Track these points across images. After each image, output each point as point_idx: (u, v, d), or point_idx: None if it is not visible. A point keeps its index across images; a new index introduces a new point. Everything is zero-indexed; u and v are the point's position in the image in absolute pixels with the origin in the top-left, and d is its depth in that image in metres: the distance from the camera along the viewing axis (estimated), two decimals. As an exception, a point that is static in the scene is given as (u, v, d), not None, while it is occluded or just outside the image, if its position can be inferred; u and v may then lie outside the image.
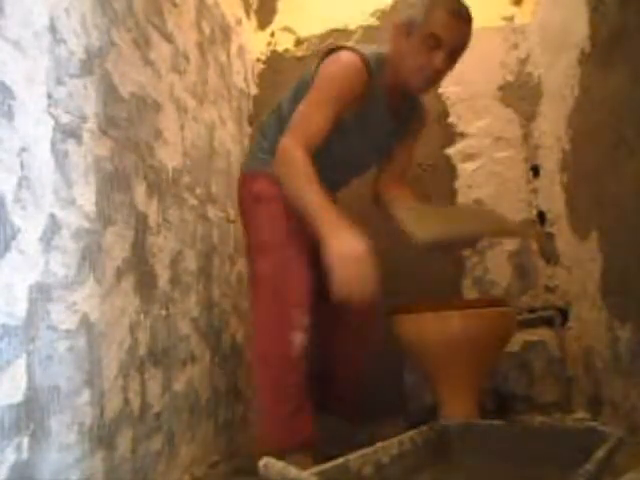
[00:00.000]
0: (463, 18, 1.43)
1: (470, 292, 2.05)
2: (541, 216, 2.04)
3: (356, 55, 1.41)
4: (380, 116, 1.50)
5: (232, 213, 1.82)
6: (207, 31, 1.77)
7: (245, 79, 2.17)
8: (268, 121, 1.57)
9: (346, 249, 1.14)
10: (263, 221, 1.43)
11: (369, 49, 1.48)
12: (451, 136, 2.13)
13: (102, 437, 1.02)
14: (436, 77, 1.46)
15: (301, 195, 1.26)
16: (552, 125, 1.93)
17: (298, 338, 1.29)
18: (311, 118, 1.35)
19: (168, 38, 1.45)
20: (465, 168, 2.10)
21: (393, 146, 1.63)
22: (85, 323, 1.00)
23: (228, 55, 1.97)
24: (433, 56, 1.40)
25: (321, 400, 1.54)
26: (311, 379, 1.35)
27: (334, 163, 1.45)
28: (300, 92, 1.46)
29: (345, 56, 1.42)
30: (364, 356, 1.61)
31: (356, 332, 1.55)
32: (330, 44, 1.45)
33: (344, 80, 1.39)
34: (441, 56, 1.40)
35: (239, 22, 2.13)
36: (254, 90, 2.27)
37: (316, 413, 1.41)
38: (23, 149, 0.87)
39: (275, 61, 2.32)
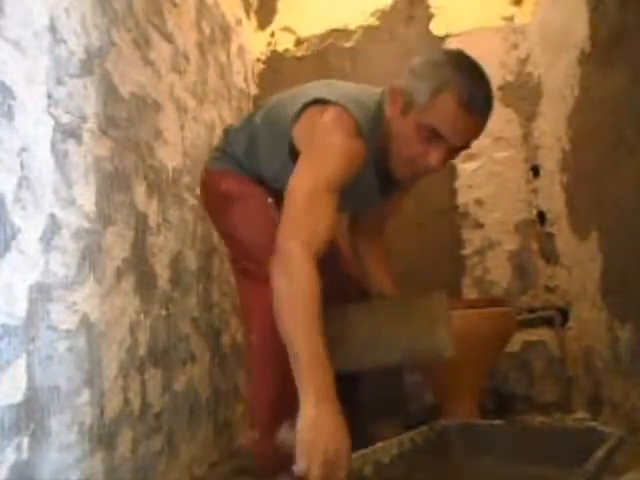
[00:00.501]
0: (478, 110, 1.13)
1: (470, 292, 2.05)
2: (541, 216, 2.04)
3: (349, 116, 1.17)
4: (366, 179, 1.27)
5: (232, 213, 1.82)
6: (207, 31, 1.77)
7: (245, 79, 2.17)
8: (237, 133, 1.41)
9: (321, 421, 0.93)
10: (239, 221, 1.32)
11: (361, 100, 1.23)
12: (451, 136, 2.13)
13: (102, 437, 1.02)
14: (426, 173, 1.22)
15: (293, 335, 1.02)
16: (552, 125, 1.93)
17: None
18: (317, 214, 1.11)
19: (168, 38, 1.45)
20: (465, 168, 2.10)
21: (375, 203, 1.44)
22: (85, 323, 1.00)
23: (228, 55, 1.97)
24: (428, 151, 1.15)
25: None
26: None
27: None
28: (278, 128, 1.28)
29: (339, 120, 1.17)
30: None
31: None
32: (312, 96, 1.22)
33: (345, 155, 1.15)
34: (438, 154, 1.14)
35: (239, 22, 2.13)
36: (254, 90, 2.27)
37: None
38: (23, 149, 0.87)
39: (275, 61, 2.32)
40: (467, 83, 1.12)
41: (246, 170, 1.38)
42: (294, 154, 1.24)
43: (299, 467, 0.89)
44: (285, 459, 1.20)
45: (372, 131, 1.20)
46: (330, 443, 0.89)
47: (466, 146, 1.18)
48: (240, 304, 1.44)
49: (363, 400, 1.61)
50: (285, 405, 1.22)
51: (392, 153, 1.21)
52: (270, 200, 1.34)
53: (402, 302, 1.35)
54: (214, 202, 1.39)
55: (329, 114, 1.18)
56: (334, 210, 1.13)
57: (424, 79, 1.13)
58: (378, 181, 1.31)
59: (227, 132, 1.47)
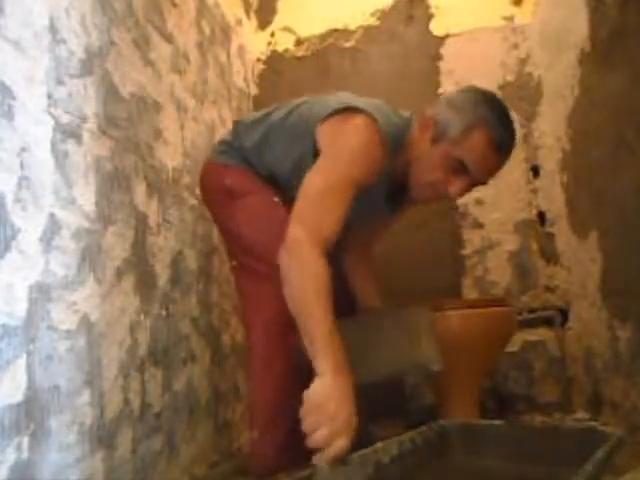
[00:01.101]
0: (505, 152, 1.20)
1: (470, 292, 2.05)
2: (541, 216, 2.04)
3: (377, 128, 1.19)
4: (376, 190, 1.29)
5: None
6: (207, 31, 1.77)
7: (245, 79, 2.17)
8: (249, 127, 1.40)
9: (336, 390, 0.96)
10: (243, 217, 1.31)
11: (390, 118, 1.25)
12: (451, 136, 2.13)
13: (102, 437, 1.02)
14: (442, 199, 1.28)
15: (307, 313, 1.05)
16: (552, 125, 1.93)
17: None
18: (329, 207, 1.13)
19: (168, 38, 1.45)
20: (465, 168, 2.10)
21: (376, 217, 1.46)
22: (85, 323, 1.00)
23: (228, 55, 1.97)
24: (451, 181, 1.21)
25: None
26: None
27: None
28: (300, 127, 1.27)
29: (366, 128, 1.19)
30: None
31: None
32: (344, 103, 1.23)
33: (366, 159, 1.18)
34: (460, 186, 1.21)
35: (239, 22, 2.13)
36: (254, 90, 2.27)
37: None
38: (23, 149, 0.87)
39: (275, 61, 2.32)
40: (499, 124, 1.18)
41: (253, 166, 1.37)
42: (315, 154, 1.24)
43: (305, 425, 0.93)
44: (284, 459, 1.20)
45: (394, 147, 1.23)
46: (340, 411, 0.92)
47: (485, 182, 1.24)
48: (240, 300, 1.43)
49: (362, 400, 1.61)
50: (286, 404, 1.22)
51: (413, 175, 1.25)
52: (276, 199, 1.33)
53: (387, 317, 1.35)
54: (216, 196, 1.38)
55: (358, 119, 1.20)
56: (346, 208, 1.13)
57: (460, 113, 1.18)
58: (386, 195, 1.33)
59: (237, 125, 1.44)
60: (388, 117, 1.25)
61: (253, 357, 1.25)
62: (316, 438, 0.91)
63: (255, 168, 1.36)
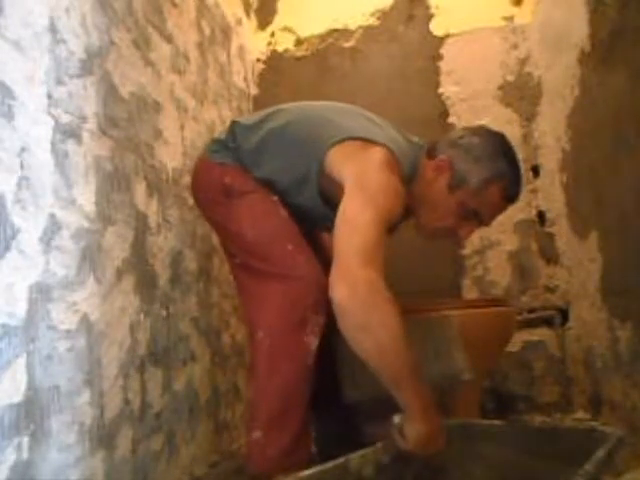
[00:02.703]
0: (513, 202, 1.27)
1: (470, 292, 2.05)
2: (541, 216, 2.04)
3: (396, 161, 1.20)
4: None
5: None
6: (207, 31, 1.77)
7: (245, 79, 2.17)
8: (247, 131, 1.37)
9: (429, 429, 1.05)
10: (243, 215, 1.29)
11: (403, 148, 1.25)
12: (451, 136, 2.13)
13: (102, 437, 1.02)
14: (448, 239, 1.34)
15: (403, 370, 1.04)
16: (552, 125, 1.93)
17: (314, 342, 1.18)
18: (380, 242, 1.11)
19: (168, 38, 1.45)
20: (465, 168, 2.10)
21: None
22: (85, 323, 1.00)
23: (228, 55, 1.97)
24: (461, 226, 1.26)
25: (317, 402, 1.51)
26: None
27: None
28: (303, 148, 1.27)
29: (388, 162, 1.18)
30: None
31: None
32: (358, 132, 1.23)
33: (396, 193, 1.17)
34: (470, 231, 1.27)
35: (239, 22, 2.13)
36: (254, 90, 2.27)
37: (314, 418, 1.38)
38: (23, 149, 0.87)
39: (275, 61, 2.32)
40: (516, 179, 1.23)
41: (248, 168, 1.35)
42: (321, 177, 1.24)
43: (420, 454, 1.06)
44: (286, 463, 1.19)
45: (407, 179, 1.24)
46: (438, 440, 1.06)
47: (488, 225, 1.30)
48: (241, 300, 1.42)
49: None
50: (293, 405, 1.21)
51: (423, 215, 1.29)
52: (275, 198, 1.32)
53: (414, 329, 1.35)
54: (213, 195, 1.35)
55: (378, 151, 1.19)
56: (384, 237, 1.14)
57: (478, 164, 1.21)
58: None
59: (233, 126, 1.40)
60: (401, 147, 1.25)
61: (258, 356, 1.23)
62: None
63: (250, 170, 1.35)
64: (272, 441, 1.18)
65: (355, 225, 1.09)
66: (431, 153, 1.29)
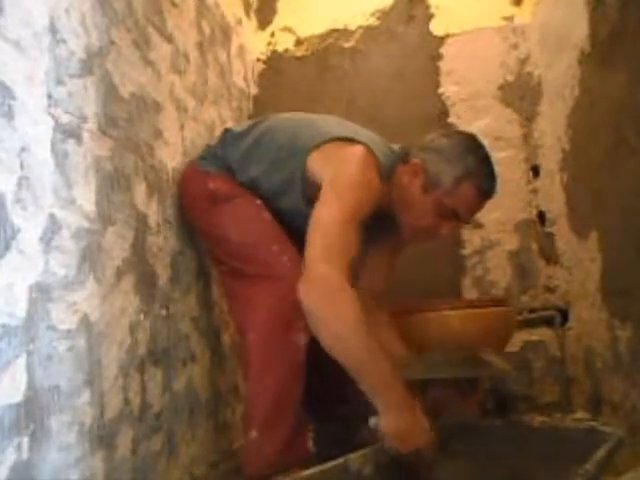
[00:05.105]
0: (490, 197, 1.30)
1: (470, 292, 2.05)
2: (541, 216, 2.04)
3: (374, 158, 1.23)
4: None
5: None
6: (207, 31, 1.77)
7: (245, 79, 2.17)
8: (236, 139, 1.42)
9: (403, 422, 1.06)
10: (228, 220, 1.32)
11: (381, 148, 1.28)
12: (451, 136, 2.13)
13: (102, 437, 1.02)
14: (432, 239, 1.36)
15: (360, 360, 1.07)
16: (552, 125, 1.93)
17: (302, 339, 1.21)
18: (345, 241, 1.14)
19: (168, 38, 1.45)
20: (465, 168, 2.10)
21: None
22: (85, 323, 1.00)
23: (228, 55, 1.97)
24: (442, 225, 1.28)
25: (316, 404, 1.51)
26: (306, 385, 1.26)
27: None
28: (288, 150, 1.30)
29: (365, 158, 1.22)
30: None
31: None
32: (337, 133, 1.28)
33: (369, 188, 1.21)
34: (450, 228, 1.29)
35: (239, 22, 2.13)
36: (254, 90, 2.27)
37: (313, 418, 1.39)
38: (23, 149, 0.87)
39: (275, 61, 2.32)
40: (487, 174, 1.26)
41: (234, 174, 1.38)
42: (304, 180, 1.28)
43: (402, 451, 1.05)
44: (283, 460, 1.20)
45: (385, 178, 1.27)
46: (421, 436, 1.06)
47: (469, 222, 1.36)
48: (229, 305, 1.44)
49: (359, 401, 1.60)
50: (287, 404, 1.22)
51: (404, 219, 1.31)
52: (259, 202, 1.35)
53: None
54: (198, 202, 1.38)
55: (356, 149, 1.23)
56: (358, 241, 1.16)
57: (450, 164, 1.25)
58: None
59: (225, 134, 1.46)
60: (379, 148, 1.28)
61: (251, 358, 1.25)
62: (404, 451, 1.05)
63: (237, 177, 1.38)
64: (268, 440, 1.20)
65: (319, 227, 1.14)
66: (405, 159, 1.32)
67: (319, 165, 1.26)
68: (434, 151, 1.29)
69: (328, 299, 1.07)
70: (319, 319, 1.08)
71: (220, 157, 1.42)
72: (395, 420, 1.05)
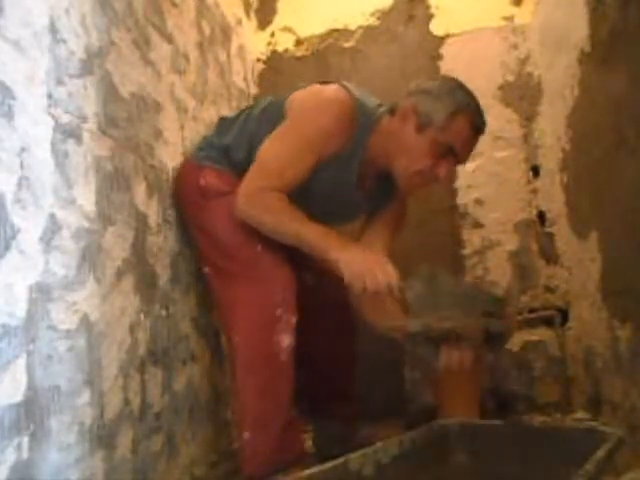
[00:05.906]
0: (481, 132, 1.30)
1: (470, 292, 2.05)
2: (541, 216, 2.04)
3: (346, 93, 1.25)
4: (344, 180, 1.32)
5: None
6: (207, 31, 1.77)
7: (245, 79, 2.17)
8: (230, 122, 1.46)
9: (358, 256, 1.14)
10: (217, 217, 1.32)
11: (365, 94, 1.32)
12: (451, 136, 2.13)
13: (102, 437, 1.02)
14: (429, 184, 1.34)
15: (291, 230, 1.18)
16: (552, 125, 1.93)
17: (286, 340, 1.22)
18: (287, 163, 1.21)
19: (168, 38, 1.45)
20: (465, 168, 2.10)
21: (353, 211, 1.46)
22: (85, 323, 1.00)
23: (228, 55, 1.97)
24: (440, 165, 1.26)
25: (316, 404, 1.52)
26: (300, 385, 1.28)
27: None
28: (271, 115, 1.33)
29: (332, 91, 1.26)
30: (350, 348, 1.58)
31: (333, 319, 1.48)
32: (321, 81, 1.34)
33: (330, 121, 1.23)
34: (448, 168, 1.27)
35: (239, 22, 2.13)
36: (254, 90, 2.27)
37: (313, 418, 1.39)
38: (23, 149, 0.87)
39: (275, 61, 2.32)
40: (477, 108, 1.29)
41: (231, 164, 1.39)
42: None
43: (356, 288, 1.12)
44: (278, 459, 1.20)
45: (366, 121, 1.29)
46: (374, 266, 1.12)
47: (464, 162, 1.35)
48: (216, 305, 1.44)
49: (358, 400, 1.61)
50: (274, 400, 1.23)
51: (399, 166, 1.29)
52: None
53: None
54: (190, 198, 1.38)
55: (329, 86, 1.30)
56: (307, 164, 1.23)
57: (441, 100, 1.25)
58: (356, 186, 1.35)
59: (220, 123, 1.50)
60: (361, 93, 1.32)
61: (237, 359, 1.26)
62: (371, 286, 1.10)
63: (233, 166, 1.38)
64: (260, 439, 1.21)
65: (270, 151, 1.25)
66: (393, 110, 1.33)
67: (292, 106, 1.32)
68: (422, 92, 1.30)
69: (256, 204, 1.21)
70: (253, 217, 1.22)
71: (216, 145, 1.42)
72: (347, 257, 1.12)
